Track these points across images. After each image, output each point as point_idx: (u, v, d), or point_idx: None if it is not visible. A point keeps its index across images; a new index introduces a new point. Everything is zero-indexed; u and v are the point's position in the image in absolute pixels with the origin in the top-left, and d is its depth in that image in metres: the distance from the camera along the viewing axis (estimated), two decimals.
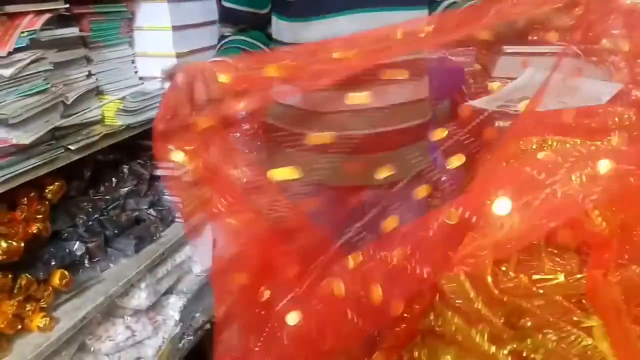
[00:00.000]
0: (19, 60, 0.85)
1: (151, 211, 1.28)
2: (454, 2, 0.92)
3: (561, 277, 0.45)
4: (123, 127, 1.08)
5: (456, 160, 0.76)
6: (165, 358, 1.27)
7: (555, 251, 0.48)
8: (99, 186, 1.18)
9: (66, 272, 1.01)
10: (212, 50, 1.24)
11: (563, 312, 0.43)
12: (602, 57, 1.52)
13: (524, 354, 0.45)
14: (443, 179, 0.86)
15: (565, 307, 0.43)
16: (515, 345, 0.46)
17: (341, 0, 0.86)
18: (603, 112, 0.81)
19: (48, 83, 0.91)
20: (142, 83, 1.16)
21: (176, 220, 1.36)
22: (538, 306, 0.44)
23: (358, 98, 0.82)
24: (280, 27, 0.91)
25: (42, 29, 0.90)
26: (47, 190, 0.99)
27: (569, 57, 0.84)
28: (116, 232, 1.18)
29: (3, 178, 0.84)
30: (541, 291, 0.44)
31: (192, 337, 1.39)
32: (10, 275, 0.92)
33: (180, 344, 1.35)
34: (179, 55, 1.14)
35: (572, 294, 0.44)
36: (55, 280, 1.00)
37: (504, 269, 0.48)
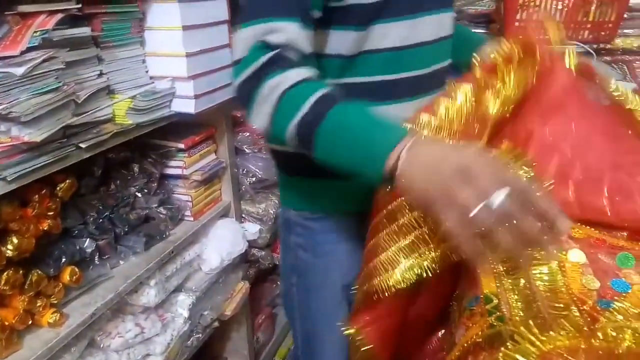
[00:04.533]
0: (31, 59, 0.86)
1: (161, 209, 1.29)
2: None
3: None
4: (133, 126, 1.09)
5: None
6: (174, 355, 1.28)
7: None
8: (109, 184, 1.19)
9: (76, 269, 1.03)
10: (221, 49, 1.26)
11: None
12: (615, 55, 1.50)
13: None
14: None
15: None
16: None
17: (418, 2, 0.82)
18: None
19: (59, 82, 0.92)
20: (153, 82, 1.17)
21: (185, 218, 1.37)
22: None
23: None
24: (339, 39, 0.80)
25: (54, 29, 0.91)
26: (58, 188, 1.00)
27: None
28: (126, 229, 1.19)
29: (15, 175, 0.85)
30: None
31: (200, 335, 1.40)
32: (21, 271, 0.93)
33: (189, 342, 1.36)
34: (188, 55, 1.15)
35: None
36: (66, 276, 1.01)
37: None
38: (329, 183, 0.84)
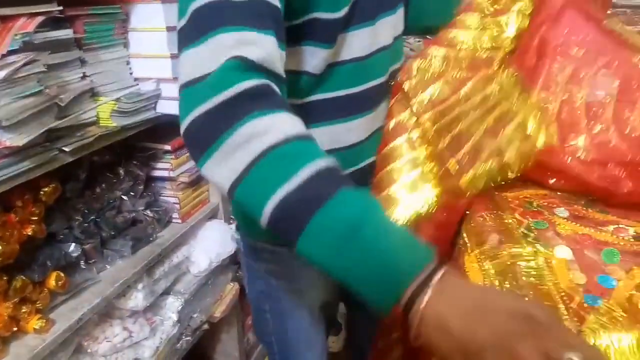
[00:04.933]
0: (12, 63, 0.85)
1: (147, 212, 1.28)
2: None
3: None
4: (118, 128, 1.07)
5: None
6: (163, 358, 1.27)
7: None
8: (94, 187, 1.18)
9: (62, 274, 1.01)
10: None
11: None
12: None
13: None
14: None
15: None
16: None
17: (376, 6, 0.77)
18: None
19: (42, 85, 0.90)
20: (137, 84, 1.16)
21: (173, 221, 1.36)
22: None
23: None
24: (306, 55, 0.72)
25: (35, 31, 0.89)
26: (42, 192, 0.98)
27: None
28: (112, 233, 1.18)
29: None
30: None
31: (190, 338, 1.39)
32: (5, 278, 0.92)
33: (178, 345, 1.35)
34: (173, 56, 1.14)
35: None
36: (51, 282, 1.00)
37: None
38: None
